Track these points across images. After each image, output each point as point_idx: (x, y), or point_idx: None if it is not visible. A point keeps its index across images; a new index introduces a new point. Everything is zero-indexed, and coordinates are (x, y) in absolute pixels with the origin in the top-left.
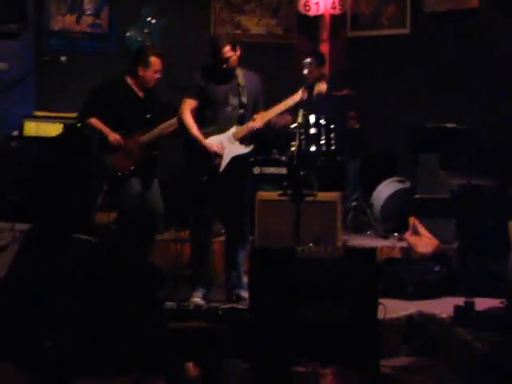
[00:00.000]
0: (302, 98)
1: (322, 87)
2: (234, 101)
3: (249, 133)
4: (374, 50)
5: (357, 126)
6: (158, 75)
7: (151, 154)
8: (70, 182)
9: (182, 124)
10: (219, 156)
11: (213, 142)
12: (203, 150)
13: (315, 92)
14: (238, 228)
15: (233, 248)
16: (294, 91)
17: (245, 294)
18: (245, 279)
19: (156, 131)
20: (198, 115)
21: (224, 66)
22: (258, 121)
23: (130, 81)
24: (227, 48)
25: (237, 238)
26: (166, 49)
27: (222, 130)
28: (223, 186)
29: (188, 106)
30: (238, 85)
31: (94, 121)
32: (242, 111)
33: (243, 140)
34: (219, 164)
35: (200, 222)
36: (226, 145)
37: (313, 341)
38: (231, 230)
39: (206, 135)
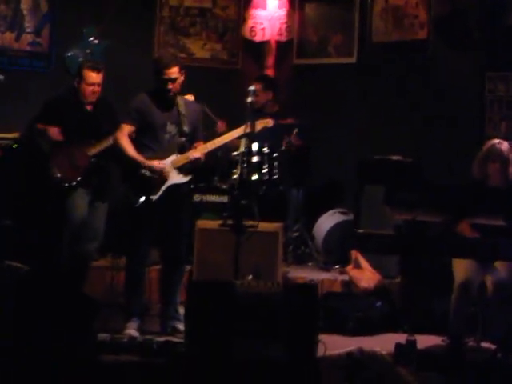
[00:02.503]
0: (245, 132)
1: (268, 122)
2: (171, 128)
3: (188, 162)
4: (319, 78)
5: (301, 143)
6: (91, 88)
7: (99, 165)
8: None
9: (119, 149)
10: (162, 173)
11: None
12: (142, 172)
13: (260, 127)
14: (175, 258)
15: (169, 278)
16: (239, 124)
17: (180, 326)
18: (181, 311)
19: (103, 143)
20: (135, 141)
21: (169, 87)
22: (199, 151)
23: (76, 95)
24: (175, 69)
25: (173, 267)
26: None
27: (162, 157)
28: (159, 214)
29: (125, 131)
30: (179, 113)
31: (40, 125)
32: (183, 140)
33: (182, 169)
34: (160, 185)
35: (135, 249)
36: (166, 168)
37: (250, 378)
38: (167, 260)
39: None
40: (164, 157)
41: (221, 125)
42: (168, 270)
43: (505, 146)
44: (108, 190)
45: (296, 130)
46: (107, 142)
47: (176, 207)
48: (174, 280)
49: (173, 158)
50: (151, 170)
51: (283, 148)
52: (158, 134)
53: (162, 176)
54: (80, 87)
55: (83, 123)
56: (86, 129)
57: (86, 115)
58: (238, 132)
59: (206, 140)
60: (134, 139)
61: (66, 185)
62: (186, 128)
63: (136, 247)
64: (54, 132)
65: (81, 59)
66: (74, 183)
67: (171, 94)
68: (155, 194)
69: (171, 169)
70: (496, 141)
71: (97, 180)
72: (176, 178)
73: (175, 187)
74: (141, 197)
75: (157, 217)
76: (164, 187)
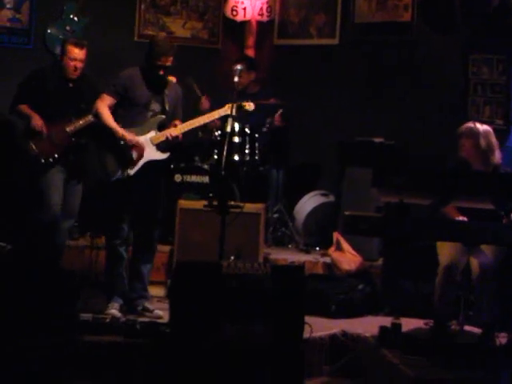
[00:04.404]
0: (226, 113)
1: (249, 106)
2: (155, 106)
3: (166, 140)
4: (301, 59)
5: (282, 124)
6: (73, 63)
7: (78, 143)
8: None
9: (98, 118)
10: (139, 148)
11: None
12: (120, 144)
13: (242, 110)
14: (147, 237)
15: (139, 257)
16: (220, 103)
17: (150, 305)
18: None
19: (82, 121)
20: (117, 114)
21: (160, 74)
22: (178, 130)
23: (59, 70)
24: (170, 58)
25: (145, 247)
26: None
27: (141, 132)
28: (135, 191)
29: (106, 101)
30: (163, 92)
31: (23, 107)
32: (163, 117)
33: (160, 146)
34: (137, 160)
35: (115, 227)
36: (143, 144)
37: (235, 359)
38: (139, 239)
39: None
40: (143, 133)
41: (205, 100)
42: (139, 249)
43: (478, 125)
44: (84, 168)
45: (280, 111)
46: (87, 120)
47: (152, 184)
48: (144, 259)
49: (152, 134)
50: (126, 140)
51: (265, 129)
52: (141, 110)
53: (136, 150)
54: (63, 62)
55: (64, 99)
56: (66, 105)
57: (67, 91)
58: (219, 113)
59: (188, 116)
60: (117, 112)
61: (43, 161)
62: (167, 107)
63: (116, 225)
64: (37, 124)
65: (61, 36)
66: (51, 159)
67: (161, 79)
68: (132, 168)
69: (150, 145)
70: (471, 121)
71: (74, 158)
72: (154, 155)
73: (153, 164)
74: (118, 169)
75: (132, 193)
76: (141, 162)
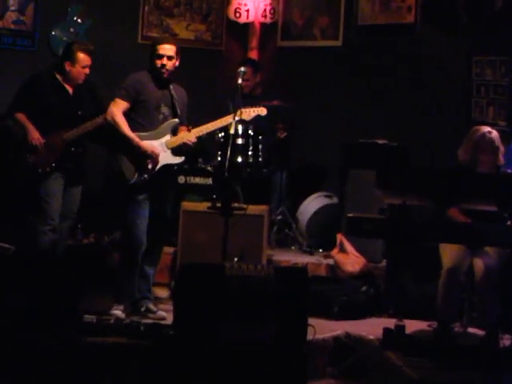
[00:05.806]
0: (240, 118)
1: (261, 111)
2: (165, 110)
3: (182, 145)
4: (304, 60)
5: (284, 135)
6: (85, 71)
7: (75, 151)
8: None
9: (113, 125)
10: (155, 158)
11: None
12: (136, 151)
13: (254, 114)
14: (157, 239)
15: (147, 259)
16: (224, 104)
17: (153, 306)
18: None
19: (80, 129)
20: (129, 118)
21: (162, 63)
22: (193, 135)
23: (58, 77)
24: (168, 46)
25: (154, 249)
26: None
27: (156, 136)
28: (149, 194)
29: (120, 107)
30: (172, 96)
31: (20, 116)
32: (176, 121)
33: (175, 150)
34: (153, 168)
35: (133, 232)
36: (159, 152)
37: (238, 360)
38: (150, 241)
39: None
40: (158, 137)
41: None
42: (150, 250)
43: (494, 134)
44: (82, 175)
45: (281, 126)
46: (85, 128)
47: (165, 187)
48: (152, 261)
49: (167, 138)
50: (142, 152)
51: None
52: (152, 113)
53: (151, 159)
54: (72, 69)
55: (63, 106)
56: (64, 113)
57: (66, 99)
58: (232, 118)
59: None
60: (128, 116)
61: (40, 171)
62: (178, 111)
63: (133, 230)
64: (34, 139)
65: (65, 38)
66: (48, 169)
67: (164, 72)
68: (149, 172)
69: (165, 149)
70: (486, 129)
71: (71, 166)
72: (170, 159)
73: (168, 167)
74: (135, 174)
75: (149, 196)
76: (158, 167)
